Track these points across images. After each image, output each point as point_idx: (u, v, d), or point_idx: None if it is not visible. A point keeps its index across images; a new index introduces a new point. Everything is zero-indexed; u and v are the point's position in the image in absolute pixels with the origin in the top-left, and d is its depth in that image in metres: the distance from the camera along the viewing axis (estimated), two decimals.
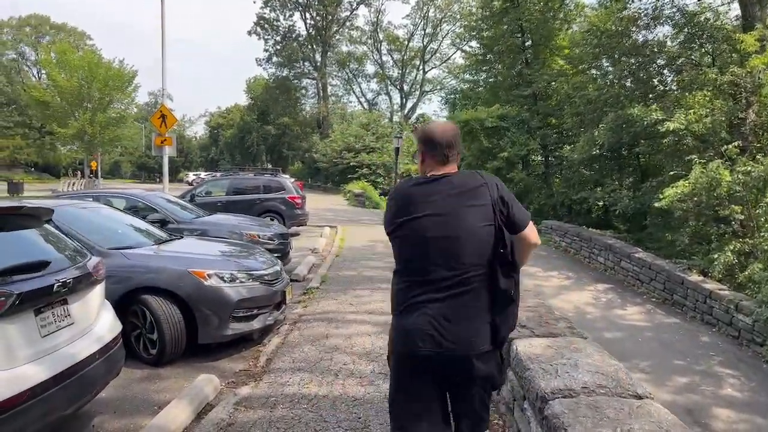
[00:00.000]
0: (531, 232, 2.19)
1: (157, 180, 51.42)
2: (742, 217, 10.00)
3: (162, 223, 7.17)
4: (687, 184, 10.48)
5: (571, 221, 18.75)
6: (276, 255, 7.73)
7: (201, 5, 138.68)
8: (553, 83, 21.80)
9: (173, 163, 73.17)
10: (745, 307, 8.56)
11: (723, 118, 11.79)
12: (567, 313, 10.26)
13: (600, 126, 14.43)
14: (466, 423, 2.19)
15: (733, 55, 13.24)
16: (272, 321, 5.04)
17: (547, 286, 11.94)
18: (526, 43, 22.77)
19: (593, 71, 18.46)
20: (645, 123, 12.38)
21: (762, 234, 9.69)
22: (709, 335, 9.13)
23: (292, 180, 15.00)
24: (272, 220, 13.59)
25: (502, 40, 22.87)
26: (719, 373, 7.71)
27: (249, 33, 52.73)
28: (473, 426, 2.19)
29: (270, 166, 63.75)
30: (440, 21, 51.30)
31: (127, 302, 4.47)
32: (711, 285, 9.65)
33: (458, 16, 45.67)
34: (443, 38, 52.32)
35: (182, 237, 5.97)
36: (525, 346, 3.16)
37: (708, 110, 11.63)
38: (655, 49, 13.52)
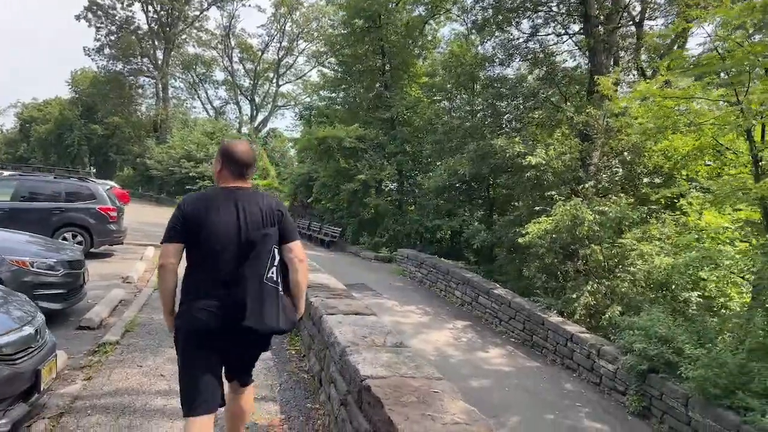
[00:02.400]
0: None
1: None
2: (601, 257, 9.92)
3: None
4: (550, 221, 10.20)
5: (423, 250, 18.28)
6: (59, 291, 5.42)
7: None
8: (410, 110, 21.58)
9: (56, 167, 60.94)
10: (608, 353, 8.21)
11: (577, 156, 11.96)
12: (428, 356, 9.22)
13: (461, 155, 14.08)
14: None
15: (585, 96, 13.82)
16: (7, 427, 2.89)
17: (406, 323, 10.87)
18: (386, 66, 22.31)
19: (446, 102, 18.50)
20: (507, 155, 12.14)
21: (618, 275, 9.67)
22: (572, 382, 8.68)
23: (108, 187, 12.07)
24: (75, 236, 10.70)
25: (363, 60, 22.13)
26: (588, 428, 7.16)
27: (77, 18, 45.95)
28: None
29: (93, 170, 56.10)
30: (297, 36, 49.83)
31: None
32: (572, 327, 9.30)
33: (316, 34, 44.79)
34: (299, 54, 50.93)
35: None
36: None
37: (567, 147, 11.70)
38: (516, 84, 13.56)
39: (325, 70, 30.17)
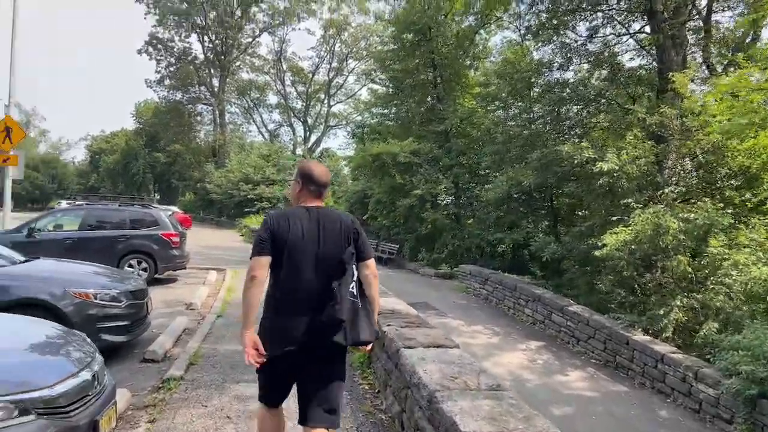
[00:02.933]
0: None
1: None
2: (689, 268, 9.02)
3: None
4: (629, 231, 9.40)
5: (484, 265, 17.57)
6: (123, 323, 5.26)
7: (92, 21, 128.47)
8: (465, 121, 21.06)
9: (45, 189, 64.94)
10: (707, 376, 7.34)
11: (653, 160, 11.09)
12: (503, 380, 8.62)
13: (523, 165, 13.44)
14: None
15: (655, 95, 12.94)
16: None
17: (475, 344, 10.28)
18: (438, 79, 21.91)
19: (501, 112, 17.85)
20: (575, 162, 11.40)
21: (711, 287, 8.74)
22: (666, 408, 7.82)
23: (170, 212, 12.20)
24: (140, 263, 10.81)
25: (413, 74, 21.85)
26: None
27: (139, 52, 48.38)
28: None
29: (157, 197, 58.54)
30: (346, 56, 50.43)
31: None
32: (662, 347, 8.44)
33: (365, 53, 45.11)
34: (349, 73, 51.46)
35: None
36: None
37: (641, 151, 10.86)
38: (578, 87, 12.80)
39: (376, 86, 30.22)
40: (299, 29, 48.44)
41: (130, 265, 10.74)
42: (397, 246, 21.24)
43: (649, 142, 11.27)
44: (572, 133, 14.43)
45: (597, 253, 9.82)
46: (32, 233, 10.02)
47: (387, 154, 19.35)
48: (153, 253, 10.80)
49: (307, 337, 2.56)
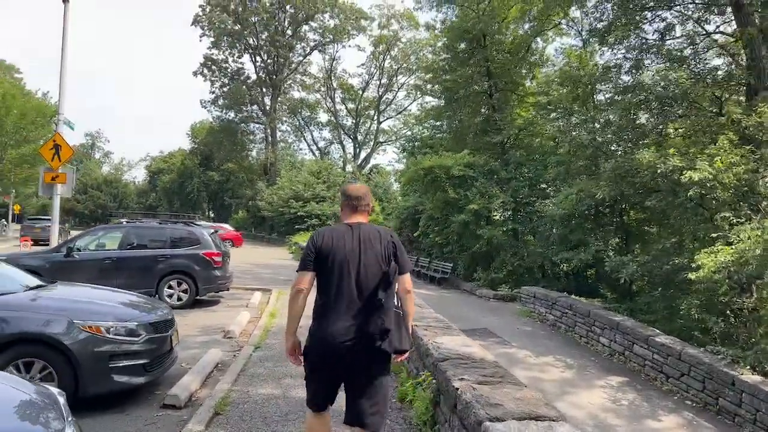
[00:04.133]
0: None
1: (74, 223, 46.08)
2: None
3: None
4: (732, 251, 7.96)
5: (546, 286, 16.13)
6: (141, 362, 4.46)
7: (150, 42, 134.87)
8: (523, 132, 19.82)
9: (107, 208, 67.61)
10: None
11: (753, 167, 9.56)
12: (585, 426, 7.34)
13: (592, 176, 12.09)
14: None
15: (745, 97, 11.40)
16: None
17: (547, 379, 9.02)
18: (493, 88, 20.76)
19: (561, 122, 16.46)
20: (658, 171, 10.01)
21: None
22: None
23: (213, 231, 11.56)
24: (180, 284, 10.19)
25: (467, 84, 20.80)
26: None
27: (195, 74, 49.69)
28: None
29: (212, 215, 59.62)
30: (396, 72, 50.00)
31: None
32: None
33: (414, 68, 44.46)
34: (399, 88, 50.98)
35: None
36: None
37: (737, 157, 9.37)
38: (658, 88, 11.37)
39: (428, 99, 29.33)
40: (349, 46, 48.34)
41: (170, 286, 10.14)
42: (451, 265, 20.04)
43: (747, 147, 9.77)
44: (645, 141, 12.98)
45: (691, 275, 8.40)
46: (71, 252, 9.58)
47: (440, 168, 18.28)
48: (194, 273, 10.16)
49: (351, 344, 2.70)
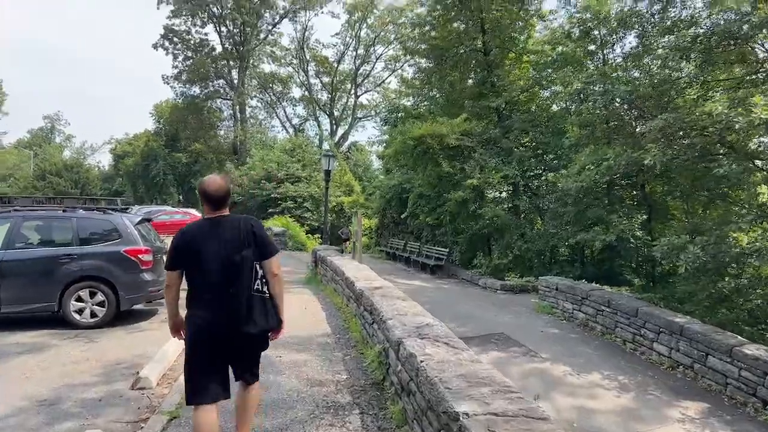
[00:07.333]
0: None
1: None
2: None
3: None
4: None
5: (560, 273, 13.65)
6: None
7: (110, 20, 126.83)
8: (526, 93, 17.14)
9: (68, 195, 63.32)
10: None
11: None
12: None
13: (631, 138, 9.49)
14: None
15: None
16: None
17: (601, 410, 6.46)
18: (489, 45, 17.92)
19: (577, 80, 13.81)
20: (737, 126, 7.45)
21: None
22: None
23: (143, 219, 8.55)
24: (93, 294, 7.34)
25: (457, 41, 17.95)
26: None
27: (155, 47, 45.67)
28: None
29: (181, 199, 55.87)
30: (374, 41, 46.65)
31: None
32: None
33: (393, 36, 41.23)
34: (377, 59, 47.69)
35: None
36: None
37: None
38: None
39: (409, 68, 26.28)
40: (322, 13, 44.13)
41: (79, 299, 7.28)
42: (447, 250, 17.43)
43: None
44: (687, 93, 10.45)
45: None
46: None
47: (432, 137, 15.44)
48: (112, 278, 7.31)
49: (218, 329, 2.97)
